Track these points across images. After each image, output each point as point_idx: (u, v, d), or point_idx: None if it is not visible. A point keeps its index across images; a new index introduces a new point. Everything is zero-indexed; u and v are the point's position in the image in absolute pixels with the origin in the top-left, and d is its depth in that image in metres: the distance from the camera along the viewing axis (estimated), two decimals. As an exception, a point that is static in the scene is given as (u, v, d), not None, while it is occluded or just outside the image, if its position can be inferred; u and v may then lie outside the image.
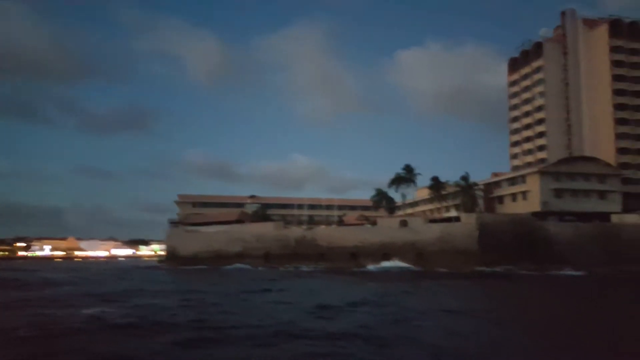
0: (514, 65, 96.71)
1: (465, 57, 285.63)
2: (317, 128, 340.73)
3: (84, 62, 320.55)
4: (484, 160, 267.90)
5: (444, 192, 79.73)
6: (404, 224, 66.86)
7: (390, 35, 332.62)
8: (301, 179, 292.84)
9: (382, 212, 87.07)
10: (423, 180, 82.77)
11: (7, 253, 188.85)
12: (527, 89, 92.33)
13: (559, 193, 69.57)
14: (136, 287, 39.88)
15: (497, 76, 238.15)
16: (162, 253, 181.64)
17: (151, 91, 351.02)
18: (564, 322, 22.23)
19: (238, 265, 71.72)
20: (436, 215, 79.40)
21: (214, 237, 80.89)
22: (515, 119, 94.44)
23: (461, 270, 57.63)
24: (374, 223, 71.06)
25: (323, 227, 77.35)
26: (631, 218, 65.62)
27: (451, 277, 51.18)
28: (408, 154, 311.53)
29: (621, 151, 79.56)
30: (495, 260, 59.29)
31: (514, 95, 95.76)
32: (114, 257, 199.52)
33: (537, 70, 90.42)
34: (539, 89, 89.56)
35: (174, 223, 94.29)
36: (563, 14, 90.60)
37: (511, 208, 72.25)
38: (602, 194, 71.01)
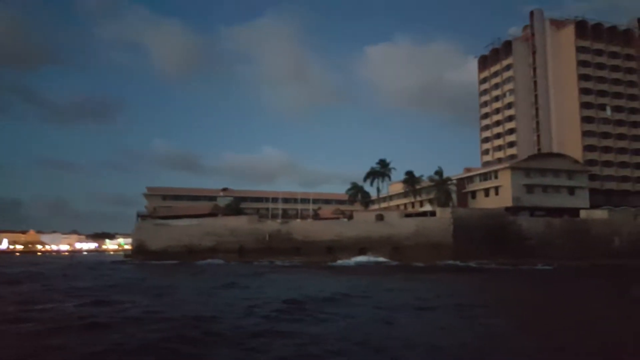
0: (484, 62, 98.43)
1: (434, 53, 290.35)
2: (287, 120, 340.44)
3: (44, 48, 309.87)
4: (454, 155, 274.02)
5: (418, 187, 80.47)
6: (380, 218, 67.17)
7: (361, 29, 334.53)
8: (272, 172, 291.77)
9: (357, 206, 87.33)
10: (396, 174, 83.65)
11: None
12: (497, 86, 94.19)
13: (530, 188, 71.30)
14: (98, 284, 38.13)
15: (466, 72, 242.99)
16: (128, 247, 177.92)
17: (115, 81, 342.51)
18: (543, 314, 23.11)
19: (211, 260, 70.45)
20: (410, 210, 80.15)
21: (186, 230, 79.20)
22: (486, 116, 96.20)
23: (436, 263, 58.51)
24: (350, 217, 71.10)
25: (299, 221, 76.90)
26: (599, 214, 67.88)
27: (426, 271, 51.74)
28: (379, 148, 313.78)
29: (587, 148, 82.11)
30: (469, 254, 60.28)
31: (485, 92, 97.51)
32: (77, 251, 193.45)
33: (507, 68, 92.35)
34: (508, 86, 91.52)
35: (143, 216, 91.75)
36: (532, 14, 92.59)
37: (484, 203, 73.58)
38: (571, 190, 73.17)
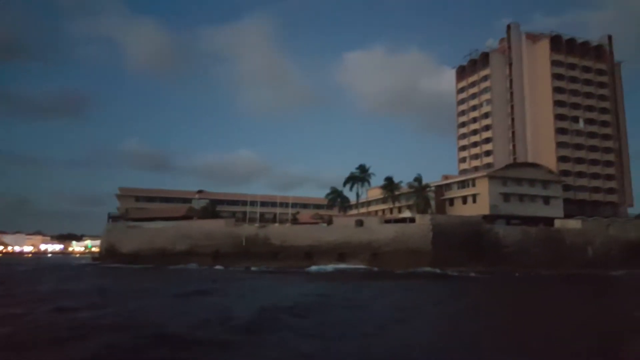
0: (462, 73, 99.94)
1: (409, 61, 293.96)
2: (263, 122, 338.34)
3: (14, 41, 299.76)
4: (429, 162, 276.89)
5: (397, 193, 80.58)
6: (360, 223, 66.76)
7: (339, 35, 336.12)
8: (246, 174, 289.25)
9: (334, 210, 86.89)
10: (374, 180, 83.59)
11: None
12: (474, 96, 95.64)
13: (506, 197, 72.29)
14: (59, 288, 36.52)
15: (441, 82, 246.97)
16: (95, 249, 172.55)
17: (87, 76, 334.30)
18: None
19: (184, 265, 68.53)
20: (389, 216, 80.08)
21: (159, 233, 77.18)
22: (463, 124, 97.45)
23: (415, 270, 58.27)
24: (329, 222, 70.43)
25: (277, 225, 75.80)
26: (572, 223, 69.14)
27: (403, 277, 51.50)
28: (354, 153, 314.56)
29: (561, 159, 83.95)
30: (448, 261, 60.32)
31: (462, 101, 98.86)
32: (41, 253, 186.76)
33: (484, 78, 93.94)
34: (485, 96, 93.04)
35: (114, 217, 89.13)
36: (508, 27, 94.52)
37: (461, 210, 74.14)
38: (546, 200, 74.48)
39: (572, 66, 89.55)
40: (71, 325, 19.24)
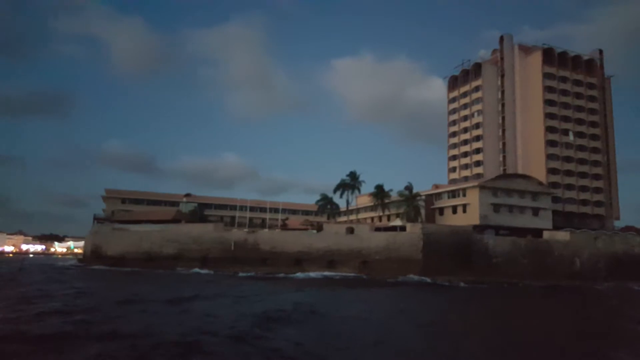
0: (454, 82, 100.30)
1: (398, 70, 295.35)
2: (248, 127, 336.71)
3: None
4: (417, 171, 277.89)
5: (387, 201, 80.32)
6: (350, 231, 66.33)
7: (327, 41, 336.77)
8: (231, 178, 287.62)
9: (323, 217, 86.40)
10: (364, 187, 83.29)
11: None
12: (465, 106, 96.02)
13: (496, 208, 72.34)
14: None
15: (429, 91, 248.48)
16: (78, 251, 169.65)
17: (71, 75, 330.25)
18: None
19: (180, 269, 67.45)
20: (378, 223, 79.74)
21: (146, 236, 76.14)
22: (454, 134, 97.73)
23: (405, 278, 57.97)
24: (319, 228, 69.88)
25: (266, 230, 75.06)
26: (561, 235, 69.42)
27: (392, 286, 51.20)
28: (340, 160, 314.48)
29: (551, 171, 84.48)
30: (438, 270, 60.10)
31: (453, 111, 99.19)
32: (23, 253, 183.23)
33: (476, 89, 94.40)
34: (477, 107, 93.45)
35: (100, 219, 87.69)
36: (501, 39, 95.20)
37: (451, 220, 74.04)
38: (535, 211, 74.73)
39: (564, 79, 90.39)
40: (60, 333, 18.45)
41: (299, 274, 61.46)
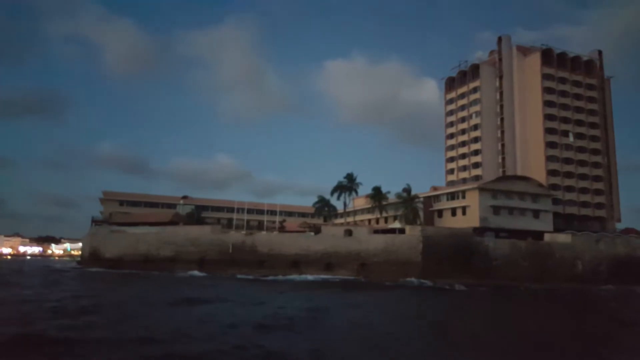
0: (451, 84, 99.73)
1: (390, 71, 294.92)
2: (241, 128, 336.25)
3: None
4: (412, 172, 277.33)
5: (384, 203, 79.75)
6: (349, 233, 65.73)
7: (320, 43, 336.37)
8: (224, 180, 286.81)
9: (320, 219, 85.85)
10: (361, 189, 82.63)
11: None
12: (463, 107, 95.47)
13: (496, 210, 71.82)
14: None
15: (422, 93, 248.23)
16: (75, 253, 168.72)
17: (64, 77, 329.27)
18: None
19: (179, 272, 66.72)
20: (375, 225, 79.22)
21: (143, 238, 75.69)
22: (452, 136, 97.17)
23: (404, 281, 57.37)
24: (317, 231, 69.31)
25: (264, 232, 74.49)
26: (562, 237, 68.79)
27: (392, 288, 50.62)
28: (333, 162, 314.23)
29: (551, 173, 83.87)
30: (437, 273, 59.52)
31: (451, 113, 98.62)
32: (21, 255, 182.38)
33: (474, 90, 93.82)
34: (475, 108, 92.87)
35: (97, 222, 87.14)
36: (499, 39, 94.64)
37: (450, 222, 73.53)
38: (536, 213, 74.19)
39: (563, 80, 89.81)
40: (67, 339, 17.92)
41: (296, 277, 61.02)
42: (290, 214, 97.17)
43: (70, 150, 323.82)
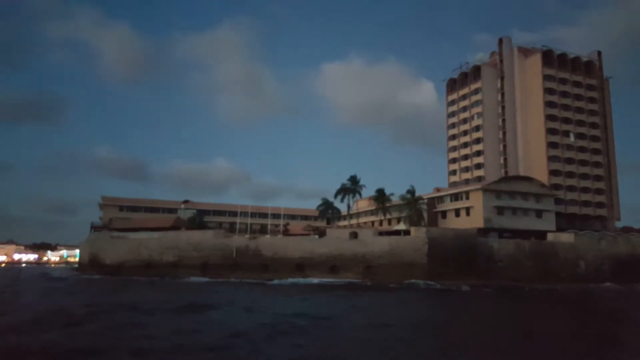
0: (453, 85, 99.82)
1: (387, 73, 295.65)
2: (240, 131, 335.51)
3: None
4: (413, 174, 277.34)
5: (388, 205, 79.51)
6: (354, 235, 65.37)
7: (317, 45, 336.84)
8: (223, 183, 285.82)
9: (323, 222, 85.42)
10: (364, 191, 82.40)
11: None
12: (465, 109, 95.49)
13: (500, 210, 71.73)
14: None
15: (420, 94, 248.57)
16: (72, 260, 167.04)
17: (60, 81, 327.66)
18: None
19: (184, 277, 66.09)
20: (379, 227, 78.95)
21: (145, 244, 74.83)
22: (454, 137, 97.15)
23: (410, 283, 57.05)
24: (322, 234, 68.88)
25: (268, 236, 73.98)
26: (565, 237, 68.78)
27: (398, 290, 50.28)
28: (332, 164, 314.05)
29: (553, 173, 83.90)
30: (442, 274, 59.33)
31: (453, 114, 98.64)
32: (16, 262, 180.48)
33: (475, 91, 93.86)
34: (476, 109, 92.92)
35: (97, 227, 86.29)
36: (500, 41, 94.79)
37: (454, 223, 73.35)
38: (539, 213, 74.15)
39: (564, 81, 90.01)
40: (87, 349, 17.67)
41: (301, 280, 60.52)
42: (293, 217, 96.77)
43: (68, 155, 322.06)
